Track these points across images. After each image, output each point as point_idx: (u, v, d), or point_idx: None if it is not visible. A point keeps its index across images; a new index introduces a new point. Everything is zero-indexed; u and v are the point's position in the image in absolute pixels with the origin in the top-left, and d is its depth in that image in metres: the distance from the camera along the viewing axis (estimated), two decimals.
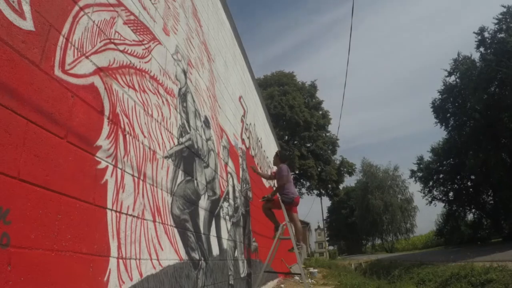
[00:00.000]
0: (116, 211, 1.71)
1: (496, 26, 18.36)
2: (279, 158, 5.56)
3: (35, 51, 1.29)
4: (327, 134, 31.71)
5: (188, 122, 3.03)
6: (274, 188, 5.59)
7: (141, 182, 2.03)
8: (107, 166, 1.68)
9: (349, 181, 64.09)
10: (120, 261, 1.69)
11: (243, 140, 5.91)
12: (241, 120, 5.97)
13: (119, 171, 1.79)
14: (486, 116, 18.52)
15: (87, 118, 1.57)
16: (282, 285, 7.27)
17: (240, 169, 5.30)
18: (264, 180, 6.81)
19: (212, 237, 3.34)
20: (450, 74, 21.55)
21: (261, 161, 7.98)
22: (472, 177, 22.65)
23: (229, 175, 4.44)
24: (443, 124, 22.64)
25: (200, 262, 2.85)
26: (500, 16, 18.17)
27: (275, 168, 5.75)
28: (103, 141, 1.67)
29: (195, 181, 3.03)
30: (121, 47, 1.96)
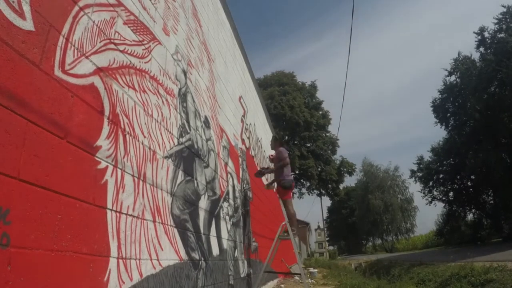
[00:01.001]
0: (116, 211, 1.71)
1: (496, 26, 18.38)
2: (279, 141, 5.58)
3: (35, 51, 1.29)
4: (327, 134, 31.70)
5: (188, 122, 3.03)
6: (273, 175, 5.58)
7: (141, 182, 2.03)
8: (107, 166, 1.68)
9: (349, 181, 64.12)
10: (120, 261, 1.69)
11: (243, 140, 5.91)
12: (241, 120, 5.97)
13: (119, 171, 1.79)
14: (486, 116, 18.52)
15: (87, 118, 1.57)
16: (282, 285, 7.26)
17: (240, 169, 5.29)
18: (264, 180, 6.80)
19: (212, 237, 3.34)
20: (450, 73, 21.56)
21: (261, 161, 7.98)
22: (472, 177, 22.62)
23: (229, 175, 4.44)
24: (443, 123, 22.64)
25: (200, 262, 2.85)
26: (500, 16, 18.18)
27: (273, 152, 5.71)
28: (103, 141, 1.67)
29: (195, 181, 3.03)
30: (121, 47, 1.96)
